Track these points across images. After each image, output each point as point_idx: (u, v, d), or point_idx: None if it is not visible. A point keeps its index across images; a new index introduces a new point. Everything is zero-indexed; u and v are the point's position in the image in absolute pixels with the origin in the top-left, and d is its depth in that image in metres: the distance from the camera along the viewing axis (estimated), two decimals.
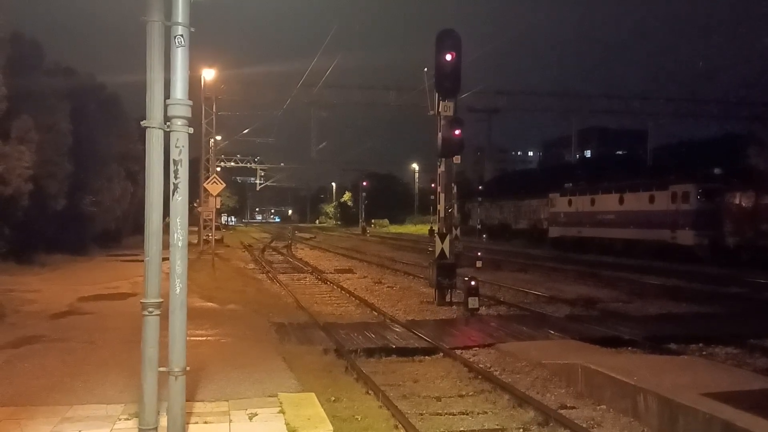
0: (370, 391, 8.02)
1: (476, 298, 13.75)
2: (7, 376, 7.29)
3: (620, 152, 76.03)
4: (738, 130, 47.49)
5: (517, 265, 26.86)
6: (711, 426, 6.17)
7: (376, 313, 14.43)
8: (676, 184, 29.66)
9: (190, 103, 4.76)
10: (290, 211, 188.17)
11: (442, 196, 16.30)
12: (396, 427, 6.75)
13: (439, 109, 15.71)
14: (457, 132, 15.71)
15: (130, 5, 5.39)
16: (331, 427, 5.69)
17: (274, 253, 37.69)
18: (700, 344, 11.03)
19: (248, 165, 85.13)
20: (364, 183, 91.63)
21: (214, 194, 25.03)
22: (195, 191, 30.59)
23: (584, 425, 6.89)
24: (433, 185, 18.82)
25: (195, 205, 33.74)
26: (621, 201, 33.57)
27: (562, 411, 7.37)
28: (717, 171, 29.66)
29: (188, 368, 4.83)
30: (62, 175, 23.03)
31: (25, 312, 12.10)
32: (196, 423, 5.69)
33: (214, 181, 24.43)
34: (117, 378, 7.13)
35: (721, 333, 11.70)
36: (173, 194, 4.69)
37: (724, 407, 6.35)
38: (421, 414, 7.39)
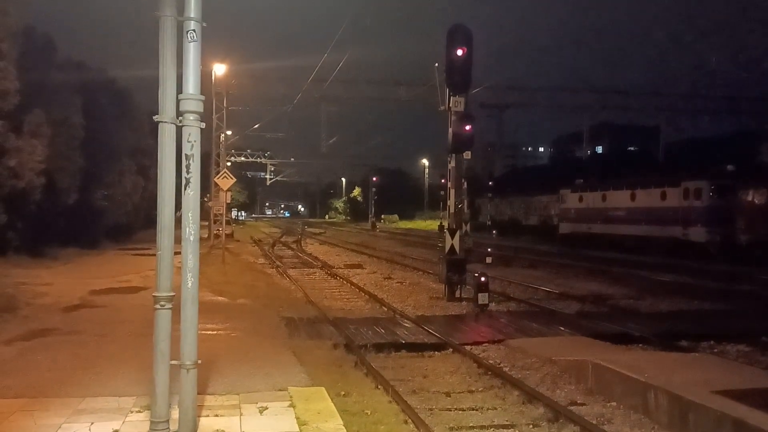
0: (379, 386, 8.04)
1: (486, 294, 13.72)
2: (19, 369, 7.36)
3: (632, 148, 75.50)
4: (750, 127, 47.13)
5: (527, 261, 26.79)
6: (722, 424, 6.14)
7: (385, 309, 14.45)
8: (688, 181, 29.42)
9: (203, 98, 4.78)
10: (300, 206, 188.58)
11: (452, 191, 16.25)
12: (405, 422, 6.76)
13: (450, 105, 15.69)
14: (467, 127, 15.69)
15: (143, 0, 5.41)
16: (341, 422, 5.70)
17: (284, 248, 37.75)
18: (711, 341, 10.97)
19: (258, 160, 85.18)
20: (374, 178, 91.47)
21: (225, 189, 25.12)
22: (206, 186, 30.73)
23: (594, 422, 6.88)
24: (443, 181, 18.73)
25: (205, 199, 33.86)
26: (632, 197, 33.35)
27: (572, 407, 7.37)
28: (729, 168, 29.37)
29: (200, 361, 4.86)
30: (74, 169, 23.19)
31: (37, 305, 12.21)
32: (207, 416, 5.73)
33: (225, 176, 24.46)
34: (128, 371, 7.18)
35: (733, 330, 11.66)
36: (185, 189, 4.71)
37: (735, 405, 6.32)
38: (431, 409, 7.40)
